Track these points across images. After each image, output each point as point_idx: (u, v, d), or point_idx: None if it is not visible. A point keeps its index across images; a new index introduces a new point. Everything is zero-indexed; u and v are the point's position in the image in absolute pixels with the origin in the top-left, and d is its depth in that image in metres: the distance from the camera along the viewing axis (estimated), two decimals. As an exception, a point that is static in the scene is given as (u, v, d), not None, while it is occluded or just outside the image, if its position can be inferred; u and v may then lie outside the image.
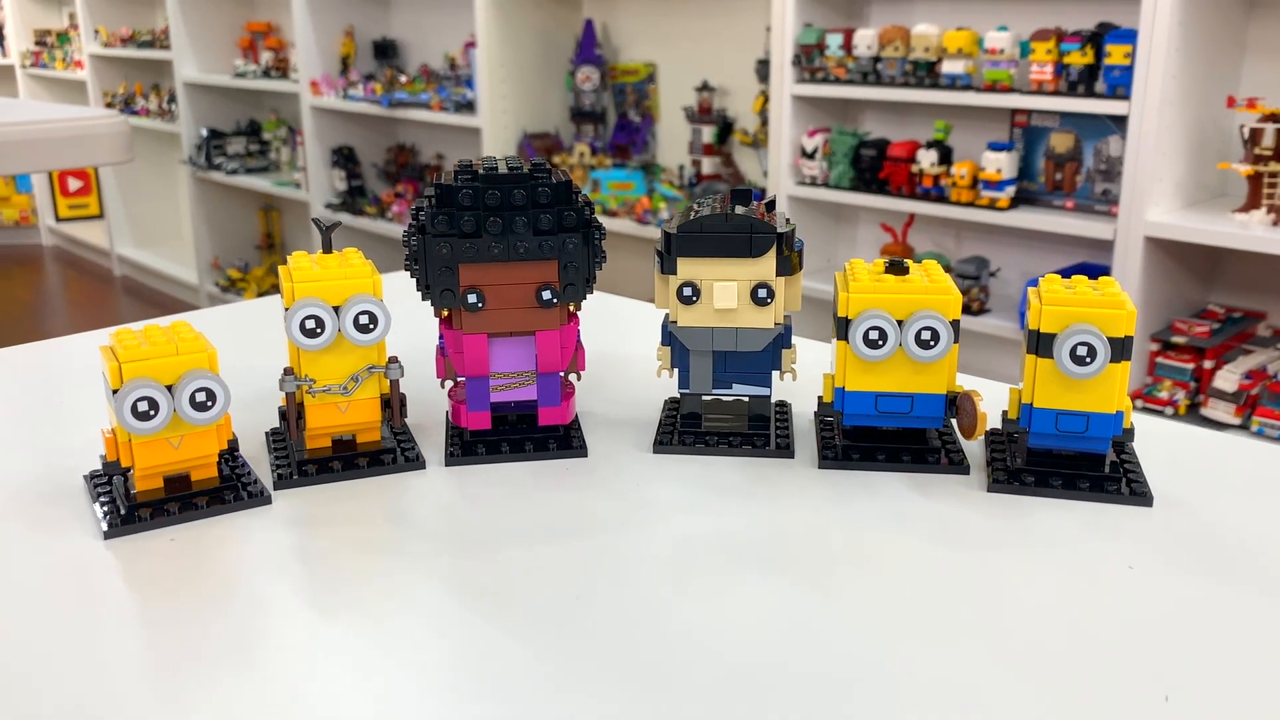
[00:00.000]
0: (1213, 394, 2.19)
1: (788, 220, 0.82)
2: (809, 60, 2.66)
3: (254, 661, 0.59)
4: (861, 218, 2.94)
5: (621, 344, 1.08)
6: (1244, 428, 2.20)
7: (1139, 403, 2.24)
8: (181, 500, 0.73)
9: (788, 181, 2.77)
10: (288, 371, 0.77)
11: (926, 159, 2.59)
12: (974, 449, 0.84)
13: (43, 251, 4.82)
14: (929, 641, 0.60)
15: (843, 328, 0.78)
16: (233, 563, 0.69)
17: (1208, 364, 2.24)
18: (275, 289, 4.06)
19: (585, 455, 0.83)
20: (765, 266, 0.79)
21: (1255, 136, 2.16)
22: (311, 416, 0.78)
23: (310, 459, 0.79)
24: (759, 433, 0.84)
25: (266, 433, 0.86)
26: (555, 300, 0.79)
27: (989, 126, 2.65)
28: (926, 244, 2.85)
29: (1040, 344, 0.75)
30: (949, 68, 2.48)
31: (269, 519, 0.74)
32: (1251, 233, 2.08)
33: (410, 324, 0.94)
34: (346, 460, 0.80)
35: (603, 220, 3.62)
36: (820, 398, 0.82)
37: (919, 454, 0.81)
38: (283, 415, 0.78)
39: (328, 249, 0.79)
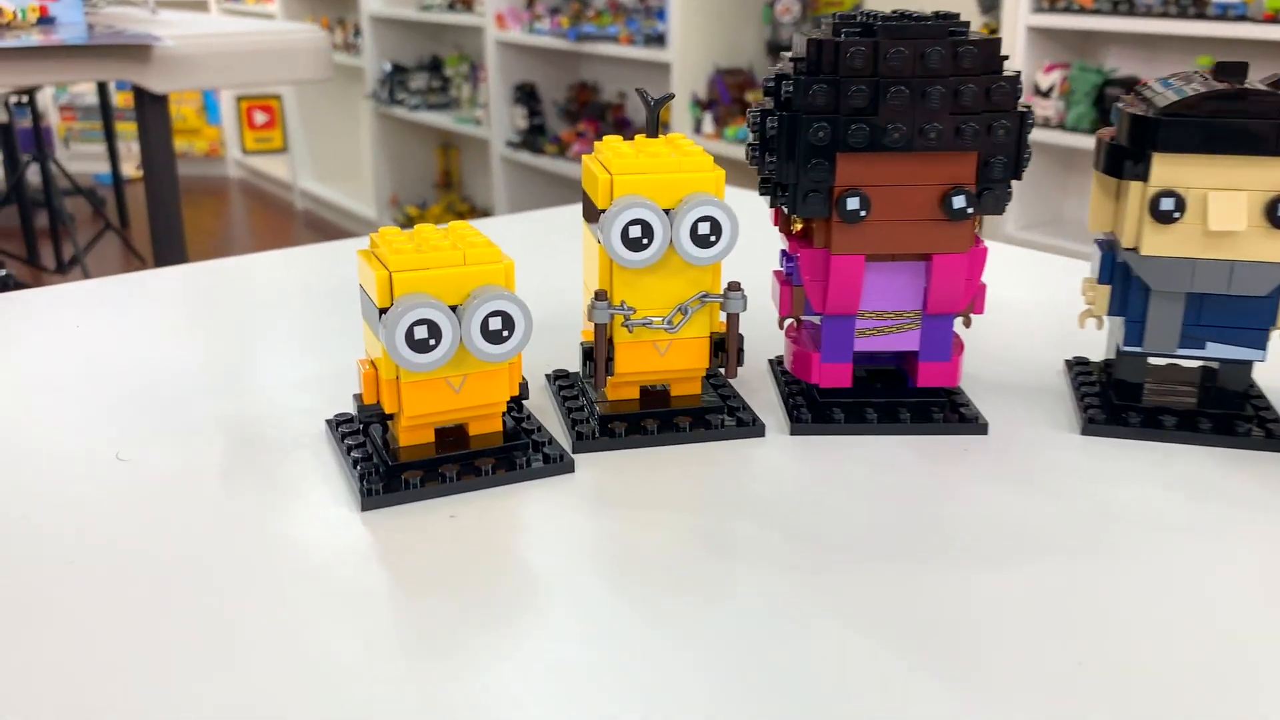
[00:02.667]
0: None
1: (1305, 108, 0.55)
2: (1051, -13, 2.31)
3: (564, 684, 0.37)
4: (1097, 166, 2.56)
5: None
6: None
7: None
8: (460, 461, 0.53)
9: (1017, 123, 2.43)
10: (600, 296, 0.55)
11: (1186, 100, 2.21)
12: None
13: (229, 183, 4.85)
14: None
15: None
16: (533, 551, 0.48)
17: None
18: (449, 227, 3.94)
19: (985, 432, 0.58)
20: (1294, 171, 0.52)
21: None
22: (623, 358, 0.56)
23: (615, 414, 0.57)
24: (1233, 414, 0.57)
25: (547, 375, 0.64)
26: (970, 210, 0.54)
27: (1265, 63, 2.24)
28: (1174, 197, 2.47)
29: None
30: (1222, -6, 2.09)
31: (572, 493, 0.52)
32: None
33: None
34: (663, 419, 0.57)
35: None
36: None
37: None
38: (588, 354, 0.56)
39: (654, 130, 0.56)
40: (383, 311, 0.49)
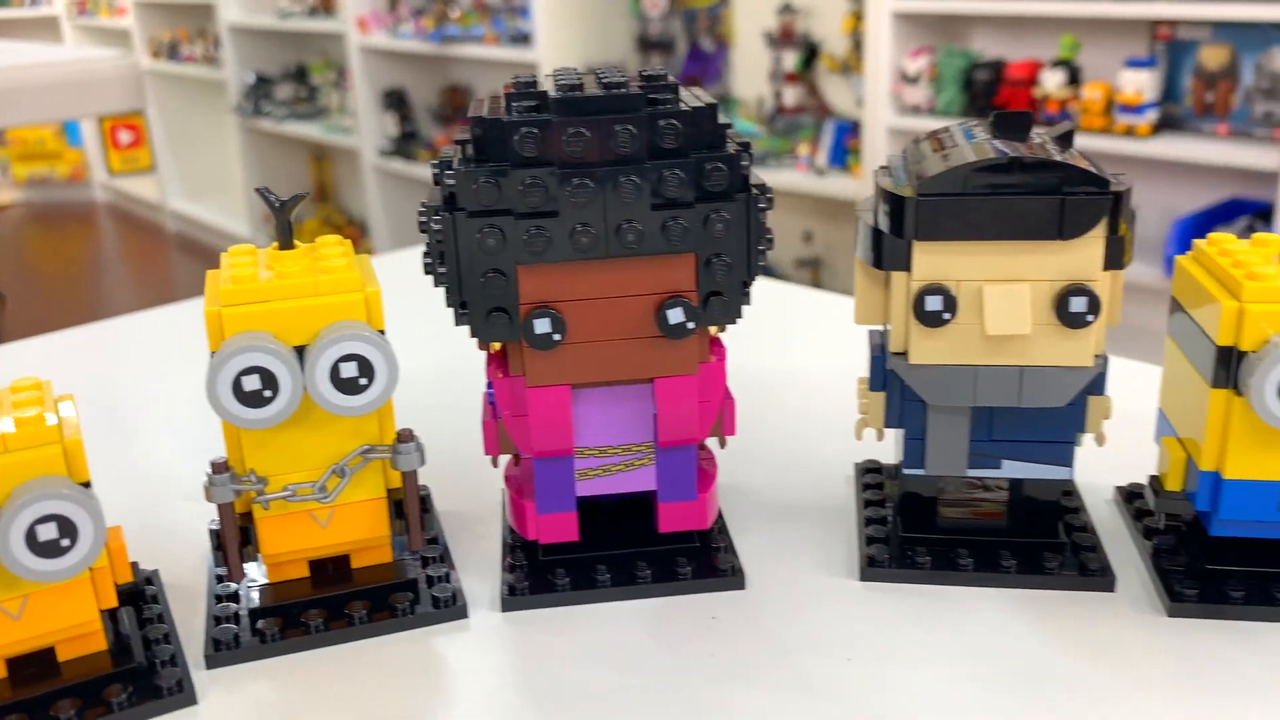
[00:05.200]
0: None
1: (1096, 164, 0.44)
2: (912, -29, 2.22)
3: None
4: (970, 151, 2.50)
5: (762, 358, 0.71)
6: None
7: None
8: (33, 708, 0.39)
9: (887, 111, 2.35)
10: (219, 468, 0.41)
11: (1051, 81, 2.15)
12: None
13: (96, 208, 4.53)
14: None
15: (1226, 365, 0.40)
16: None
17: None
18: (331, 241, 3.73)
19: (742, 587, 0.46)
20: (1084, 255, 0.41)
21: None
22: (268, 536, 0.43)
23: (272, 605, 0.44)
24: (1044, 542, 0.46)
25: (212, 530, 0.50)
26: (692, 323, 0.42)
27: (1125, 41, 2.20)
28: (1047, 180, 2.41)
29: None
30: (1080, -27, 2.03)
31: (188, 740, 0.39)
32: None
33: (449, 348, 0.58)
34: (331, 607, 0.44)
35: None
36: (1158, 481, 0.45)
37: (1353, 589, 0.43)
38: (217, 541, 0.43)
39: (286, 239, 0.43)
40: (-116, 530, 0.35)
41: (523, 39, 2.96)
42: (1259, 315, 0.39)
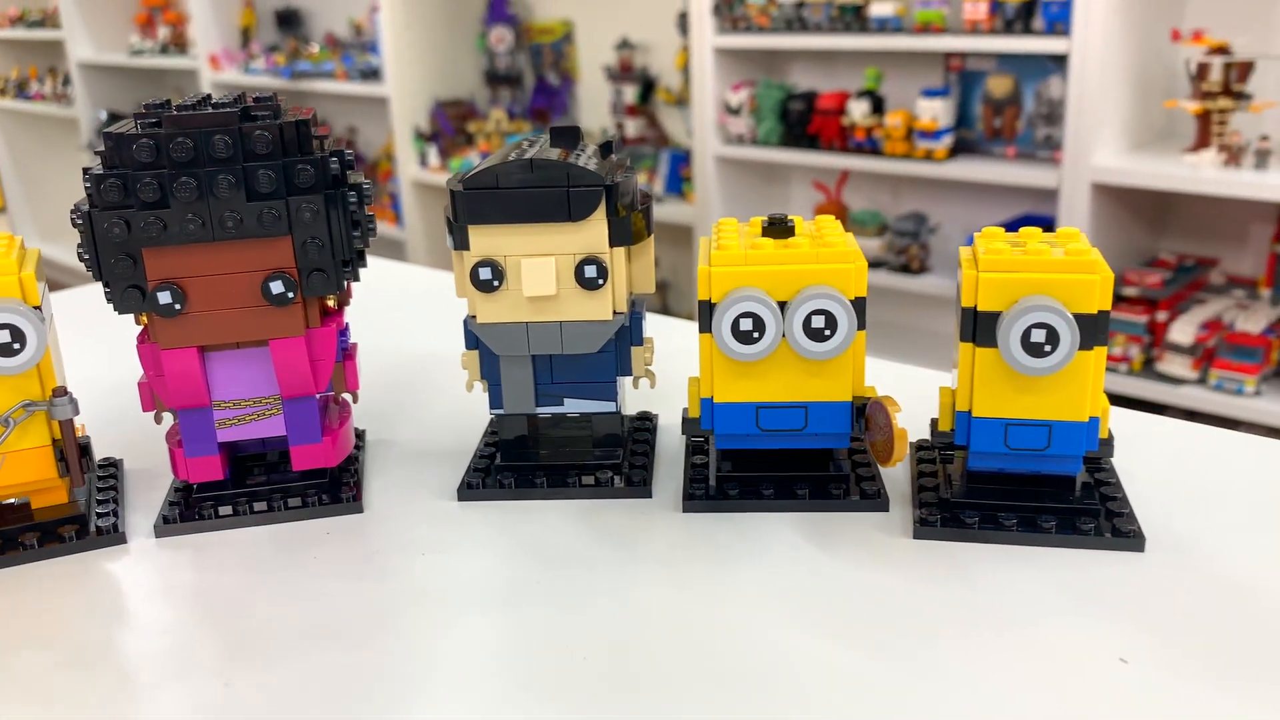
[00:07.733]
0: (1168, 347, 1.99)
1: (628, 166, 0.57)
2: (730, 9, 2.40)
3: None
4: (794, 176, 2.69)
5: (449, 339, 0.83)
6: (1202, 382, 2.00)
7: (1091, 362, 2.02)
8: None
9: (714, 141, 2.52)
10: (-109, 418, 0.51)
11: (858, 110, 2.34)
12: (897, 473, 0.60)
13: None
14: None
15: (705, 315, 0.53)
16: None
17: (1161, 316, 2.03)
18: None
19: (360, 511, 0.58)
20: (593, 233, 0.54)
21: (1202, 71, 1.94)
22: (-55, 479, 0.53)
23: (-47, 538, 0.54)
24: (607, 463, 0.59)
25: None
26: (291, 294, 0.53)
27: (922, 72, 2.41)
28: (862, 201, 2.62)
29: (980, 327, 0.51)
30: (878, 10, 2.23)
31: None
32: (1202, 175, 1.87)
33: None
34: (7, 538, 0.54)
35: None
36: (685, 411, 0.58)
37: (820, 485, 0.56)
38: (-105, 481, 0.52)
39: (-45, 235, 0.53)
40: None
41: (373, 74, 3.06)
42: (721, 275, 0.53)
